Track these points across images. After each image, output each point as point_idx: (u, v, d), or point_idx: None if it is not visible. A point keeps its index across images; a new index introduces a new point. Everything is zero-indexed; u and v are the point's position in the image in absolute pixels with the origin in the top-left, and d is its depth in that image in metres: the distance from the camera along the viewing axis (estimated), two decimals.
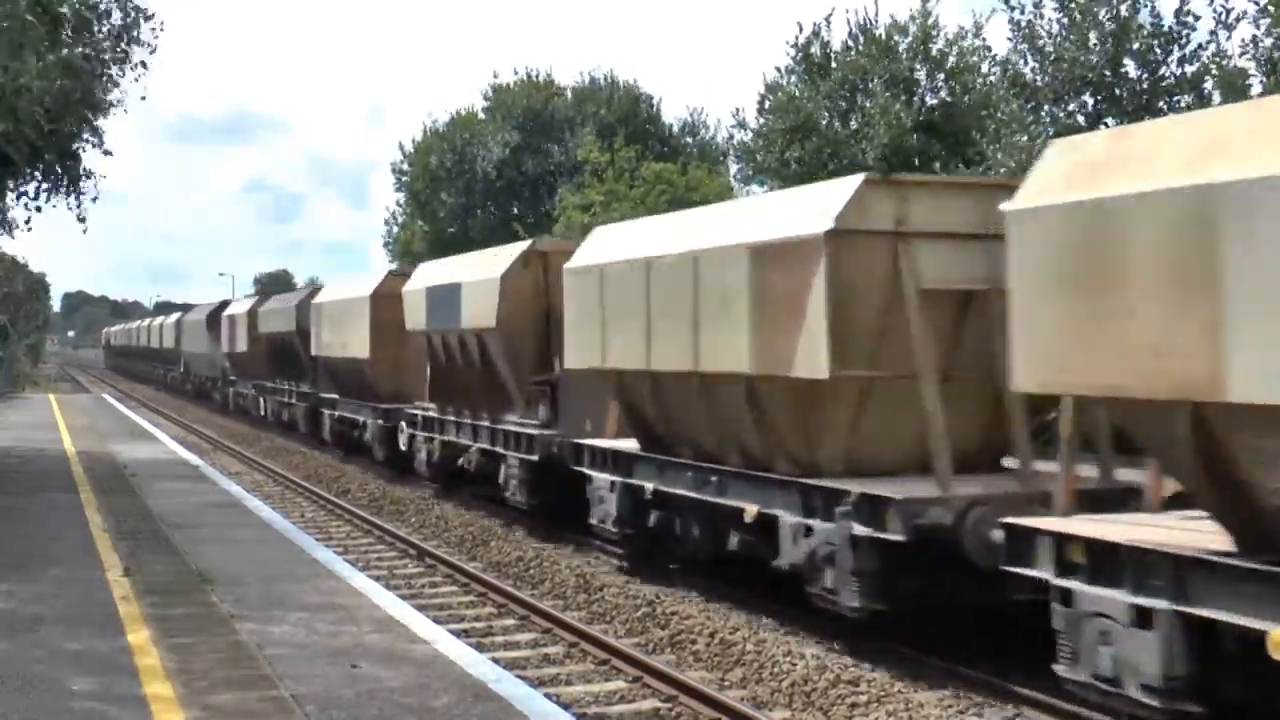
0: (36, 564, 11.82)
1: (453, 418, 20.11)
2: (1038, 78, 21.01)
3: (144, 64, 21.09)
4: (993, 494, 9.87)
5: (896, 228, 10.58)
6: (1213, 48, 19.94)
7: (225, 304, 46.12)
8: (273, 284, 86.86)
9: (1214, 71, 19.48)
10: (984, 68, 24.80)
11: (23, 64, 16.96)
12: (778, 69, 28.24)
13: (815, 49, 27.44)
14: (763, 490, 11.54)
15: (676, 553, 13.92)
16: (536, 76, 48.79)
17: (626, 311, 13.47)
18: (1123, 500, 9.39)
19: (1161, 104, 20.25)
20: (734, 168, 35.95)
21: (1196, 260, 6.71)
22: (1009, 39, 21.79)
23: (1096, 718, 8.76)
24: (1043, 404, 9.97)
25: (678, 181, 34.36)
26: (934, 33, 26.21)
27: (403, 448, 22.44)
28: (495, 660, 9.54)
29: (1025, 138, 19.47)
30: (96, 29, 20.49)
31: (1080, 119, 20.53)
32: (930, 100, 25.91)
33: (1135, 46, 20.25)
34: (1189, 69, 20.26)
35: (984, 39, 25.47)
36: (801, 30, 27.64)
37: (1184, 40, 20.30)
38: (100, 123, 21.26)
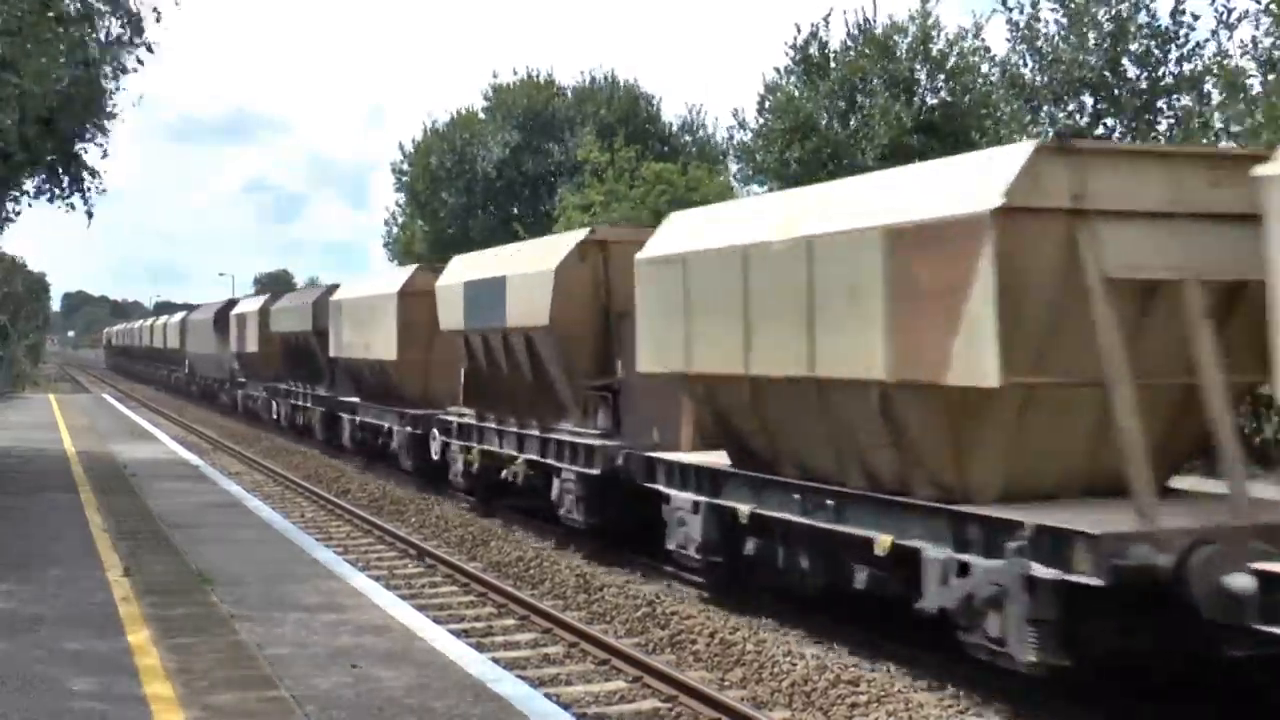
0: (36, 564, 11.82)
1: (494, 425, 18.28)
2: (1037, 77, 21.04)
3: (140, 61, 21.15)
4: (1216, 528, 8.10)
5: (1074, 204, 8.81)
6: (1212, 47, 19.97)
7: (233, 302, 44.43)
8: (273, 284, 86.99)
9: (1214, 71, 19.50)
10: (984, 68, 24.85)
11: (27, 59, 16.96)
12: (776, 70, 28.31)
13: (814, 49, 27.49)
14: (898, 518, 9.73)
15: (783, 587, 11.89)
16: (537, 76, 48.85)
17: (718, 307, 11.69)
18: None
19: (1161, 103, 20.28)
20: (734, 167, 36.01)
21: None
22: (1007, 39, 21.83)
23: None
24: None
25: (678, 181, 34.38)
26: (934, 33, 26.24)
27: (435, 457, 20.69)
28: (495, 660, 9.55)
29: (1024, 138, 19.49)
30: (98, 26, 20.54)
31: (1080, 119, 20.55)
32: (930, 100, 25.94)
33: (1133, 47, 20.28)
34: (1187, 68, 20.28)
35: (983, 39, 25.53)
36: (800, 31, 27.72)
37: (1182, 40, 20.32)
38: (106, 122, 21.35)
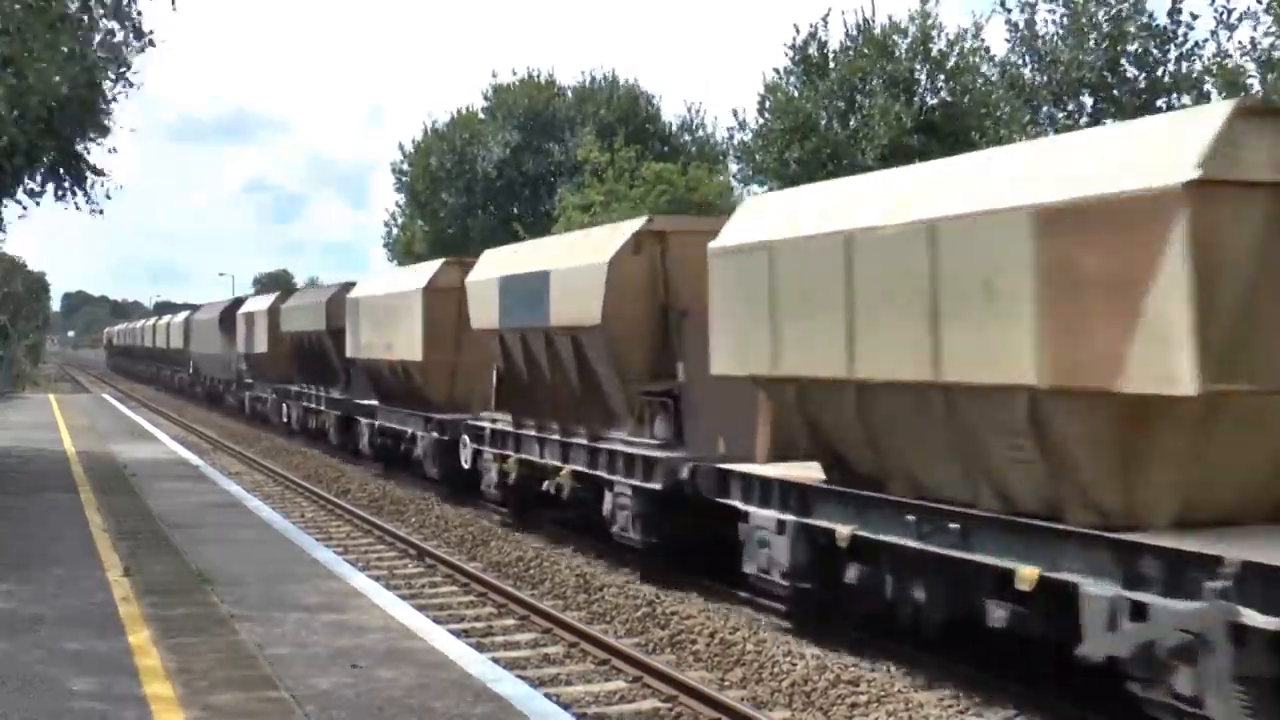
0: (36, 564, 11.82)
1: (534, 433, 16.79)
2: (1036, 77, 21.06)
3: (143, 53, 21.21)
4: None
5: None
6: (1212, 47, 19.99)
7: (239, 301, 43.14)
8: (273, 284, 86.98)
9: (1214, 71, 19.52)
10: (984, 68, 24.87)
11: (28, 55, 16.97)
12: (776, 70, 28.32)
13: (813, 50, 27.50)
14: (1046, 546, 8.36)
15: (890, 620, 10.34)
16: (537, 76, 48.88)
17: (814, 302, 10.27)
18: None
19: (1161, 103, 20.29)
20: (734, 168, 36.04)
21: None
22: (1006, 39, 21.86)
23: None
24: None
25: (678, 181, 34.41)
26: (934, 34, 26.26)
27: (464, 465, 19.30)
28: (495, 660, 9.55)
29: (1023, 138, 19.50)
30: (97, 26, 20.60)
31: (1080, 120, 20.57)
32: (930, 100, 25.96)
33: (1132, 48, 20.30)
34: (1185, 66, 20.31)
35: (983, 40, 25.56)
36: (799, 32, 27.74)
37: (1181, 39, 20.34)
38: (107, 121, 21.40)
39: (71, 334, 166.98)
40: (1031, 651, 9.15)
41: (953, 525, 9.17)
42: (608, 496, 14.62)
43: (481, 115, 49.21)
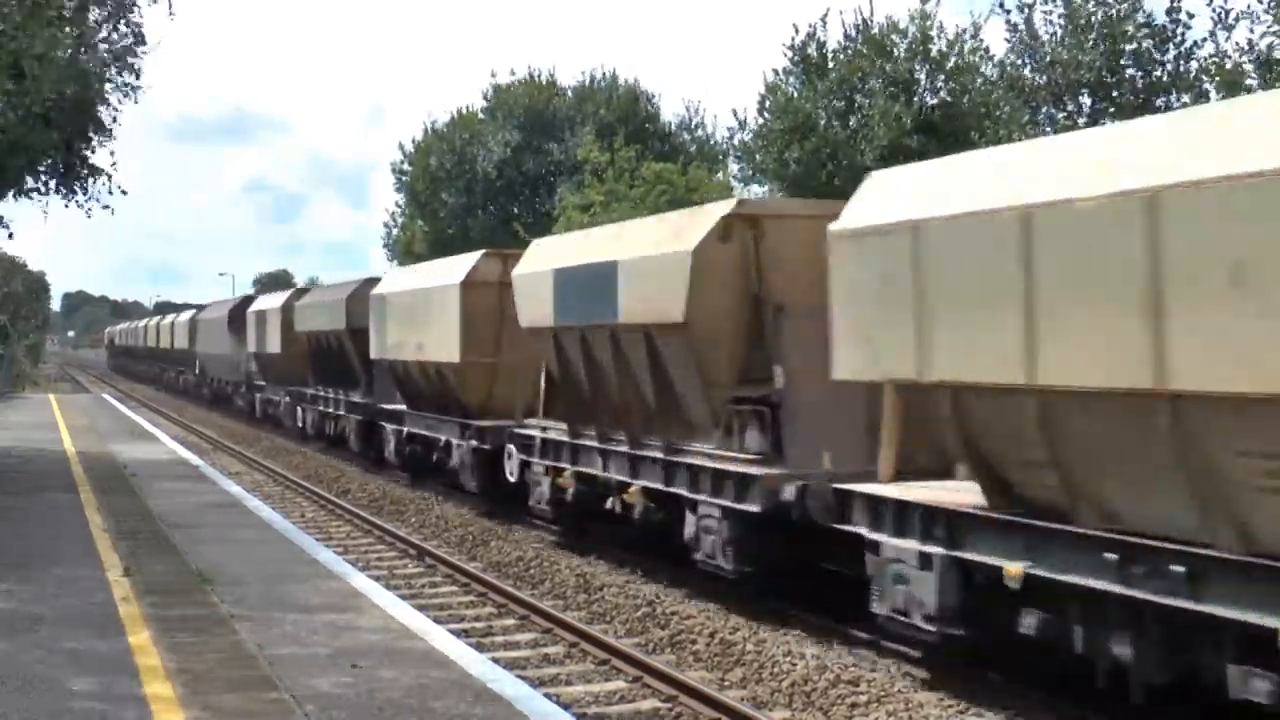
0: (36, 564, 11.82)
1: (595, 444, 15.03)
2: (1036, 77, 21.07)
3: (139, 60, 21.24)
4: None
5: None
6: (1210, 47, 20.01)
7: (249, 299, 41.47)
8: (272, 284, 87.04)
9: (1211, 72, 19.54)
10: (984, 69, 24.89)
11: (30, 35, 16.96)
12: (775, 71, 28.33)
13: (812, 49, 27.51)
14: None
15: (1095, 682, 8.44)
16: (538, 76, 48.90)
17: (978, 292, 8.62)
18: None
19: (1160, 102, 20.31)
20: (734, 167, 36.06)
21: None
22: (1006, 39, 21.88)
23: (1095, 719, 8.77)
24: None
25: (678, 181, 34.41)
26: (934, 34, 26.27)
27: (510, 477, 17.47)
28: (495, 660, 9.56)
29: (1022, 139, 19.53)
30: (97, 27, 20.64)
31: (1079, 120, 20.58)
32: (930, 101, 25.97)
33: (1130, 48, 20.31)
34: (1183, 66, 20.33)
35: (982, 39, 25.58)
36: (798, 32, 27.76)
37: (1179, 39, 20.36)
38: (104, 117, 21.42)
39: (71, 334, 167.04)
40: (1030, 650, 9.14)
41: (1175, 568, 7.49)
42: (689, 519, 12.84)
43: (481, 115, 49.22)
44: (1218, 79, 19.14)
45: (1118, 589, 7.86)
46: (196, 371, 49.76)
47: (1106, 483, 8.13)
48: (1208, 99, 19.54)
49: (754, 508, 11.71)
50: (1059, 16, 20.97)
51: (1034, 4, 21.14)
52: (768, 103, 28.30)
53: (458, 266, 20.13)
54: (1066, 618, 8.46)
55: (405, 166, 51.30)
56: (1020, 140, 19.18)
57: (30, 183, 21.84)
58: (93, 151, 21.80)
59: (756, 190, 30.22)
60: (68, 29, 18.77)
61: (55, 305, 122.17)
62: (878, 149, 24.42)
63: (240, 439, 33.61)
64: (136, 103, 21.50)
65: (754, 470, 11.84)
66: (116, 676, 7.92)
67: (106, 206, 22.00)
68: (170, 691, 7.57)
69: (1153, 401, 7.43)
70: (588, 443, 15.21)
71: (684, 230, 13.00)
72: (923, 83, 26.11)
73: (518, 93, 48.25)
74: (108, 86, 21.10)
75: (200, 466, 22.44)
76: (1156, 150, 7.72)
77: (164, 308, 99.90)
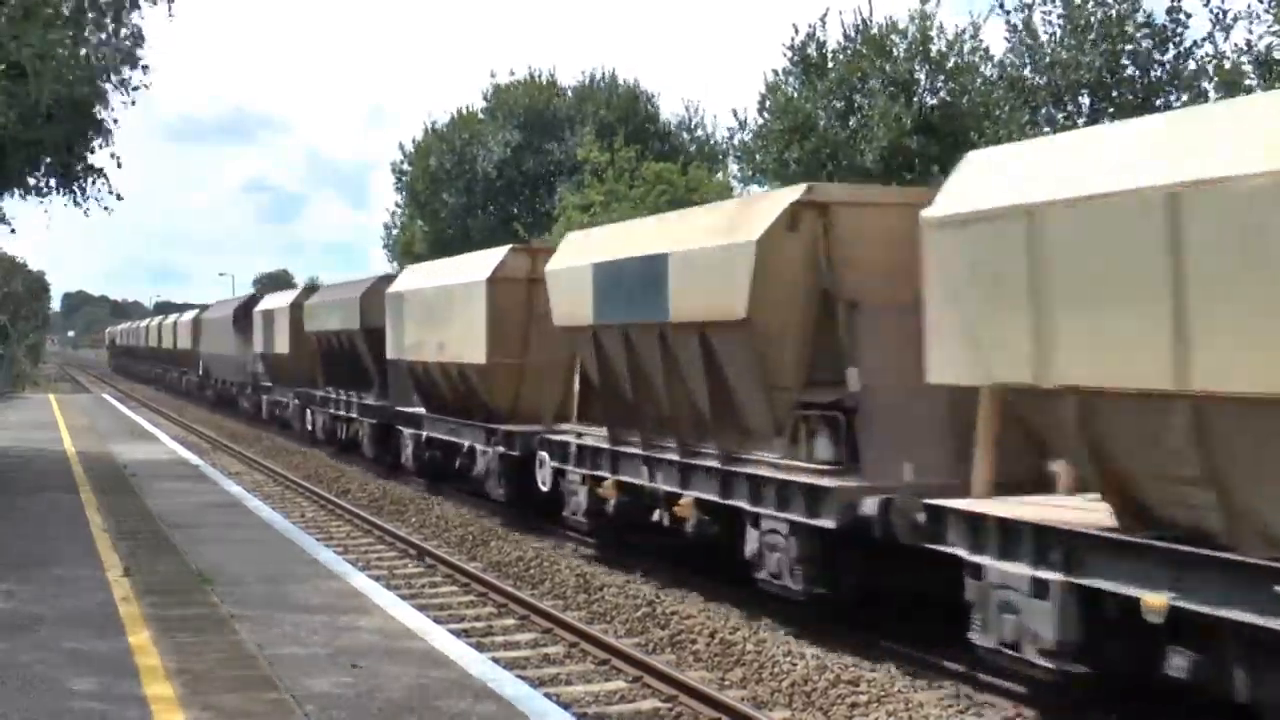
0: (36, 564, 11.82)
1: (639, 450, 13.94)
2: (1035, 77, 21.08)
3: (138, 68, 21.26)
4: None
5: None
6: (1208, 48, 20.03)
7: (254, 298, 40.17)
8: (272, 284, 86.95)
9: (1210, 72, 19.56)
10: (984, 69, 24.89)
11: (29, 34, 16.96)
12: (775, 71, 28.34)
13: (812, 50, 27.51)
14: None
15: None
16: (539, 77, 48.92)
17: (1112, 285, 7.58)
18: None
19: (1159, 102, 20.32)
20: (734, 168, 36.07)
21: None
22: (1006, 38, 21.89)
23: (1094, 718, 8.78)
24: None
25: (678, 181, 34.43)
26: (933, 35, 26.26)
27: (542, 486, 16.45)
28: (495, 660, 9.56)
29: (1022, 139, 19.53)
30: (92, 24, 20.66)
31: (1079, 120, 20.59)
32: (930, 101, 25.97)
33: (1130, 48, 20.32)
34: (1182, 65, 20.34)
35: (982, 40, 25.57)
36: (797, 32, 27.76)
37: (1178, 39, 20.38)
38: (108, 120, 21.46)
39: (71, 334, 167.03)
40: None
41: None
42: (751, 534, 11.77)
43: (481, 115, 49.24)
44: (1216, 79, 19.15)
45: None
46: (200, 373, 48.71)
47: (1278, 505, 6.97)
48: (1206, 99, 19.55)
49: (828, 523, 10.59)
50: (1058, 17, 20.98)
51: (1034, 4, 21.15)
52: (768, 103, 28.29)
53: (483, 262, 19.06)
54: (1224, 659, 7.39)
55: (405, 166, 51.36)
56: (1020, 141, 19.25)
57: (31, 181, 21.86)
58: (93, 153, 21.85)
59: (756, 191, 30.20)
60: (68, 31, 18.75)
61: (55, 305, 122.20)
62: (877, 149, 24.41)
63: (240, 439, 33.62)
64: (133, 103, 21.48)
65: (827, 481, 10.79)
66: (116, 676, 7.92)
67: (107, 208, 22.05)
68: (170, 691, 7.57)
69: None
70: (631, 450, 14.14)
71: (745, 219, 11.84)
72: (922, 83, 26.11)
73: (518, 93, 48.28)
74: (107, 88, 21.12)
75: (200, 466, 22.44)
76: None
77: (164, 308, 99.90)
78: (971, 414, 9.60)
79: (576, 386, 15.90)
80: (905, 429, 10.60)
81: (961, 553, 9.01)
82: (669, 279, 12.70)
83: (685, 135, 46.48)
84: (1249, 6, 18.07)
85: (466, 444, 19.36)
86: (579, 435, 15.56)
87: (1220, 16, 19.35)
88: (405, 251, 49.41)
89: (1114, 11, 20.43)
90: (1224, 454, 7.13)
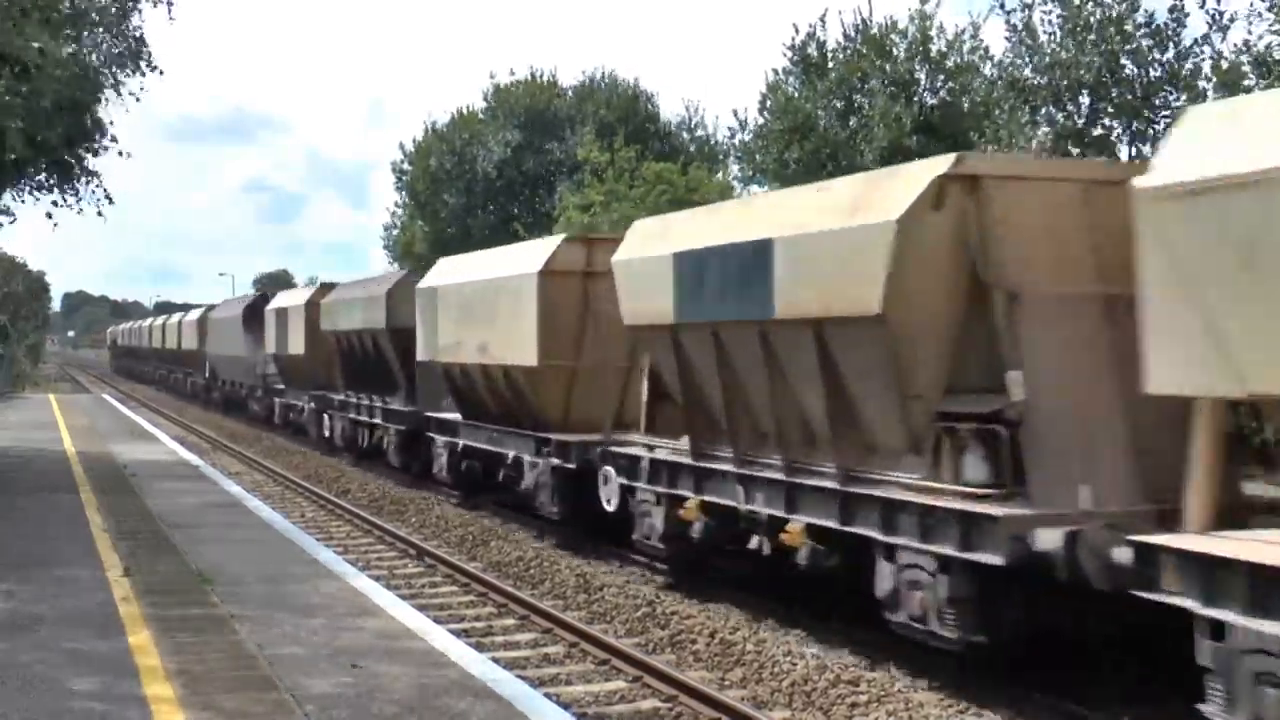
0: (36, 564, 11.82)
1: (731, 467, 12.13)
2: (1035, 78, 21.07)
3: (139, 73, 21.30)
4: None
5: None
6: (1207, 49, 20.03)
7: (265, 297, 38.12)
8: (272, 284, 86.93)
9: (1209, 73, 19.56)
10: (984, 69, 24.90)
11: (28, 36, 16.99)
12: (775, 71, 28.35)
13: (812, 49, 27.53)
14: None
15: None
16: (539, 77, 48.92)
17: None
18: None
19: (1157, 101, 20.34)
20: (734, 168, 36.07)
21: None
22: (1006, 38, 21.88)
23: (1094, 718, 8.78)
24: None
25: (678, 181, 34.43)
26: (933, 34, 26.27)
27: (607, 506, 14.62)
28: (495, 660, 9.56)
29: (1023, 139, 19.51)
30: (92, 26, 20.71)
31: (1079, 120, 20.60)
32: (930, 101, 25.97)
33: (1130, 47, 20.32)
34: (1180, 65, 20.34)
35: (982, 40, 25.58)
36: (798, 32, 27.77)
37: (1177, 39, 20.38)
38: (99, 115, 21.47)
39: (71, 334, 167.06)
40: (1032, 650, 9.14)
41: None
42: (885, 569, 9.91)
43: (481, 115, 49.25)
44: (1215, 79, 19.15)
45: None
46: (206, 374, 46.42)
47: None
48: (1205, 99, 19.55)
49: (995, 559, 8.72)
50: (1057, 17, 20.98)
51: (1034, 4, 21.14)
52: (768, 103, 28.29)
53: (533, 253, 17.10)
54: None
55: (405, 166, 51.34)
56: (1020, 142, 19.22)
57: (31, 180, 21.89)
58: (94, 155, 21.86)
59: (756, 191, 30.21)
60: (68, 31, 18.79)
61: (55, 305, 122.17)
62: (877, 149, 24.40)
63: (240, 439, 33.63)
64: (128, 111, 21.58)
65: (991, 509, 8.89)
66: (116, 677, 7.92)
67: (100, 212, 22.09)
68: (170, 692, 7.57)
69: None
70: (721, 466, 12.30)
71: (877, 196, 9.95)
72: (922, 83, 26.11)
73: (518, 93, 48.26)
74: (107, 90, 21.15)
75: (200, 466, 22.44)
76: None
77: (164, 308, 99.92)
78: (1153, 426, 8.39)
79: (644, 392, 14.25)
80: (1081, 446, 8.96)
81: (1191, 605, 7.13)
82: (774, 269, 10.85)
83: (685, 135, 46.48)
84: (1251, 5, 18.04)
85: (511, 454, 17.57)
86: (650, 448, 13.77)
87: (1217, 18, 19.35)
88: (405, 252, 49.41)
89: (1114, 11, 20.42)
90: None
